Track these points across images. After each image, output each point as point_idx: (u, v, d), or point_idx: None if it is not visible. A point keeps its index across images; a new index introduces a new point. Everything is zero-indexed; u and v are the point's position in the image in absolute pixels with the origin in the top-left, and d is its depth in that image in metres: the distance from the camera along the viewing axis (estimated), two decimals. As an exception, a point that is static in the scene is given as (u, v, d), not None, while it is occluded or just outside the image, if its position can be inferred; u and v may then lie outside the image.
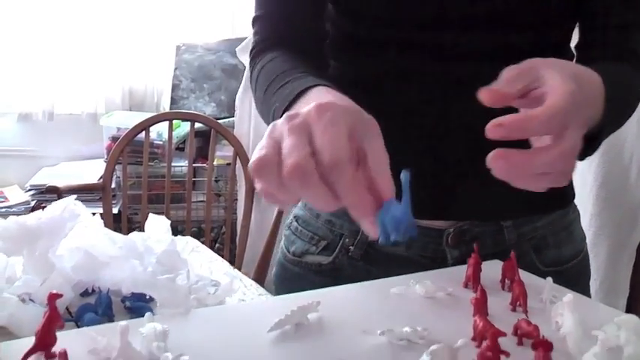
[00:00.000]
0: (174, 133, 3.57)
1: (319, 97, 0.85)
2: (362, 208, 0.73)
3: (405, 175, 0.74)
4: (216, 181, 3.92)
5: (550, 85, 0.84)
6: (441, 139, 1.24)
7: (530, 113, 0.82)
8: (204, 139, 3.80)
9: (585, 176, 2.14)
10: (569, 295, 0.97)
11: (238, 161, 3.53)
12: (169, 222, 1.22)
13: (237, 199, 3.77)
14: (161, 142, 3.82)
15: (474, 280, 1.11)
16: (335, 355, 0.91)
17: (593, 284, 1.94)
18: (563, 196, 1.35)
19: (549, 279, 1.11)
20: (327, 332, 0.97)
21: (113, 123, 3.97)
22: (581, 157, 0.97)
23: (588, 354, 0.87)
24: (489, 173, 1.20)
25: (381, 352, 0.91)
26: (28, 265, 1.09)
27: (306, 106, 0.76)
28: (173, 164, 3.58)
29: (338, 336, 0.95)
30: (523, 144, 0.87)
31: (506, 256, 1.18)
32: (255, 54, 1.26)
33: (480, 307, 0.98)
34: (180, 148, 3.99)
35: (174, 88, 4.34)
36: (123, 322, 0.83)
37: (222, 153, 3.83)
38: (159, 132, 3.78)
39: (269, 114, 1.03)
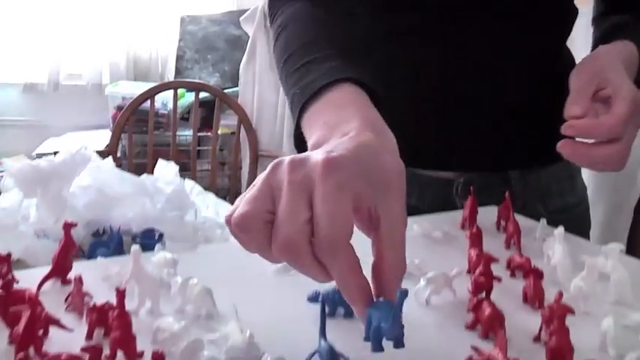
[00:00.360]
0: (178, 103, 3.61)
1: (339, 117, 0.77)
2: (354, 297, 0.65)
3: (401, 294, 0.64)
4: (221, 150, 3.97)
5: (615, 89, 0.99)
6: (450, 93, 1.28)
7: (599, 121, 0.99)
8: (209, 109, 3.84)
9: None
10: (560, 228, 1.02)
11: (243, 130, 3.57)
12: (177, 167, 1.27)
13: (241, 168, 3.82)
14: (166, 112, 3.86)
15: (470, 220, 1.15)
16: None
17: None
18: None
19: (543, 220, 1.16)
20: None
21: (118, 92, 4.01)
22: None
23: (576, 279, 0.92)
24: (496, 126, 1.26)
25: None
26: (42, 205, 1.14)
27: (321, 135, 0.73)
28: (178, 133, 3.63)
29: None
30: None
31: (513, 205, 1.23)
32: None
33: (475, 240, 1.03)
34: (184, 119, 4.03)
35: (179, 59, 4.37)
36: (135, 246, 0.88)
37: (227, 122, 3.87)
38: (164, 101, 3.82)
39: (287, 92, 0.97)
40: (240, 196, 0.67)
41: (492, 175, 1.32)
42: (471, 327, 0.86)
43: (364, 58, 1.12)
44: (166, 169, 1.25)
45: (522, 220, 1.19)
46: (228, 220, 0.65)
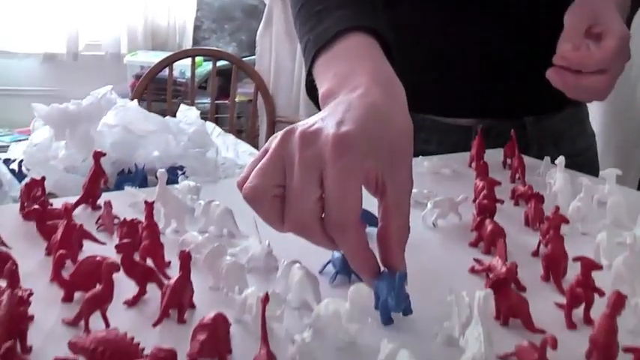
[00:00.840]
0: (196, 72, 3.67)
1: (350, 68, 0.80)
2: (362, 270, 0.71)
3: (400, 276, 0.68)
4: (238, 118, 4.03)
5: (606, 25, 1.06)
6: (467, 45, 1.33)
7: (589, 53, 1.06)
8: (225, 78, 3.89)
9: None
10: (561, 157, 1.07)
11: (260, 97, 3.63)
12: (199, 112, 1.34)
13: (259, 135, 3.88)
14: (184, 80, 3.92)
15: (477, 156, 1.21)
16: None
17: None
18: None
19: (547, 158, 1.22)
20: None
21: (137, 61, 4.08)
22: None
23: (574, 201, 0.98)
24: (511, 75, 1.31)
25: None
26: (71, 144, 1.21)
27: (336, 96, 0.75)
28: (196, 101, 3.69)
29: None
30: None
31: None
32: None
33: (481, 171, 1.09)
34: (202, 87, 4.09)
35: (196, 29, 4.43)
36: (162, 170, 0.95)
37: (244, 90, 3.93)
38: (182, 70, 3.88)
39: (301, 39, 0.98)
40: (252, 160, 0.70)
41: (508, 121, 1.37)
42: (474, 244, 0.93)
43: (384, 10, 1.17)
44: (188, 112, 1.32)
45: (528, 160, 1.24)
46: (240, 186, 0.69)
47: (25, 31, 4.35)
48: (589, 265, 0.72)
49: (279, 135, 0.69)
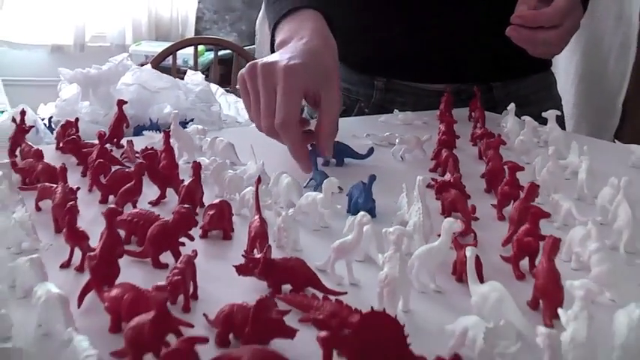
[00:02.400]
0: (199, 61, 3.88)
1: (299, 26, 1.19)
2: (299, 158, 1.08)
3: (370, 178, 0.93)
4: (239, 104, 4.23)
5: None
6: (437, 17, 1.52)
7: (540, 11, 1.26)
8: (227, 66, 4.10)
9: (568, 69, 2.44)
10: (512, 104, 1.29)
11: (260, 84, 3.83)
12: (204, 76, 1.55)
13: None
14: (187, 68, 4.13)
15: (444, 107, 1.41)
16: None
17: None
18: (542, 61, 1.64)
19: (505, 111, 1.41)
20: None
21: (141, 51, 4.29)
22: None
23: (520, 137, 1.19)
24: (479, 43, 1.49)
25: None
26: (94, 101, 1.42)
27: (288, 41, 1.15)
28: (198, 88, 3.89)
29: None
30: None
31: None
32: None
33: (445, 117, 1.30)
34: (204, 75, 4.29)
35: (198, 20, 4.65)
36: (175, 111, 1.16)
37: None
38: (184, 58, 4.08)
39: (268, 17, 1.36)
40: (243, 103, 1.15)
41: (477, 85, 1.56)
42: (433, 169, 1.14)
43: None
44: (194, 76, 1.53)
45: (491, 115, 1.45)
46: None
47: (33, 23, 4.57)
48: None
49: (246, 69, 1.10)
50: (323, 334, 0.52)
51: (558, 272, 0.65)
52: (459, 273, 0.74)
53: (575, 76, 2.44)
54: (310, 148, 1.13)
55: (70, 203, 0.75)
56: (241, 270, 0.69)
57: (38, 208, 0.91)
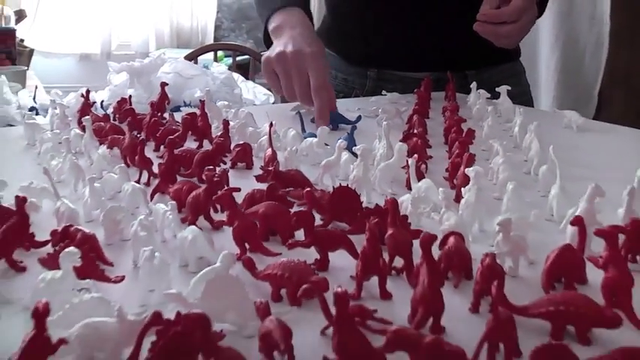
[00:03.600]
0: (218, 65, 4.26)
1: (289, 18, 1.67)
2: (322, 115, 1.51)
3: (357, 118, 1.47)
4: (256, 106, 4.61)
5: None
6: (423, 15, 1.87)
7: (500, 10, 1.59)
8: (244, 70, 4.47)
9: (549, 64, 2.79)
10: (473, 83, 1.64)
11: (275, 85, 4.21)
12: (227, 65, 1.92)
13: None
14: (207, 73, 4.51)
15: (424, 88, 1.75)
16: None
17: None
18: (511, 52, 1.99)
19: (474, 90, 1.76)
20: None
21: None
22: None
23: (476, 106, 1.54)
24: (458, 37, 1.83)
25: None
26: (139, 87, 1.79)
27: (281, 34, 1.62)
28: (218, 90, 4.27)
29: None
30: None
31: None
32: None
33: (421, 95, 1.65)
34: (223, 80, 4.68)
35: (217, 28, 5.04)
36: (207, 88, 1.53)
37: (261, 81, 4.50)
38: (205, 64, 4.44)
39: (260, 15, 1.81)
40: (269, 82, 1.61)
41: (453, 73, 1.91)
42: (407, 131, 1.48)
43: None
44: (219, 68, 1.90)
45: (461, 95, 1.80)
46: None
47: (63, 34, 4.98)
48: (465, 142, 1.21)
49: (275, 58, 1.57)
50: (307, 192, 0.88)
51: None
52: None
53: (555, 71, 2.79)
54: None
55: (141, 138, 1.12)
56: (260, 179, 1.05)
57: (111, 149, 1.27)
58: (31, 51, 4.29)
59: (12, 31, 3.63)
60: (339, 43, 1.94)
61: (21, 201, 0.83)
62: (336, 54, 1.98)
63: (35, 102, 2.01)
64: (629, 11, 2.63)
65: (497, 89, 1.61)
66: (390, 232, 0.77)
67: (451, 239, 0.77)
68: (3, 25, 3.82)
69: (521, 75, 2.07)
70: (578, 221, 0.77)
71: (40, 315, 0.53)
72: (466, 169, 0.94)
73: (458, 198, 0.97)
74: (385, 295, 0.72)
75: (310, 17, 1.71)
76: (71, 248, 0.70)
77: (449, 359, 0.53)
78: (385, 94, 1.79)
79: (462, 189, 0.94)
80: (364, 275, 0.72)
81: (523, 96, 2.04)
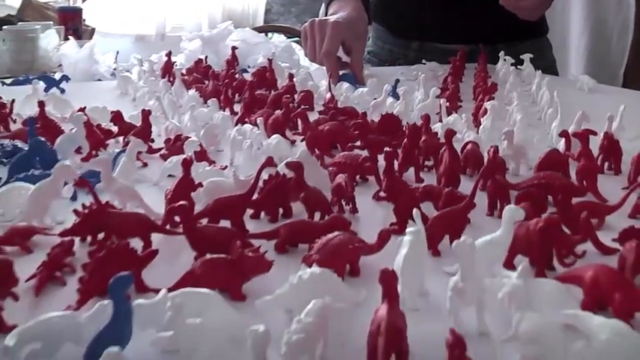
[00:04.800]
0: (267, 45, 4.56)
1: (344, 4, 1.96)
2: (333, 76, 1.76)
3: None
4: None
5: None
6: None
7: None
8: (292, 52, 4.77)
9: (579, 47, 3.05)
10: (502, 52, 1.90)
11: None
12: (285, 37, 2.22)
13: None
14: (257, 54, 4.82)
15: (459, 58, 2.02)
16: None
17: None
18: (538, 28, 2.25)
19: (501, 59, 2.02)
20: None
21: (216, 39, 5.00)
22: None
23: (503, 71, 1.81)
24: (488, 13, 2.08)
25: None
26: (209, 52, 2.09)
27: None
28: (267, 70, 4.57)
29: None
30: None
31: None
32: None
33: (455, 66, 1.92)
34: (271, 61, 4.98)
35: (267, 11, 5.34)
36: (272, 51, 1.82)
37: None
38: (256, 44, 4.77)
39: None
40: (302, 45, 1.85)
41: (486, 46, 2.17)
42: (442, 90, 1.76)
43: None
44: (279, 37, 2.19)
45: (491, 66, 2.06)
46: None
47: (120, 15, 5.31)
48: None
49: (307, 24, 1.82)
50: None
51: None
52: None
53: (585, 50, 3.04)
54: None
55: (221, 85, 1.41)
56: (322, 112, 1.34)
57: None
58: (93, 30, 4.62)
59: (79, 10, 3.97)
60: (387, 18, 2.22)
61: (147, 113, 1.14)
62: (385, 28, 2.26)
63: (116, 62, 2.32)
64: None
65: (521, 56, 1.87)
66: (423, 138, 1.05)
67: (469, 145, 1.05)
68: (71, 5, 4.14)
69: (548, 50, 2.32)
70: (564, 133, 1.05)
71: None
72: (485, 103, 1.21)
73: (478, 124, 1.24)
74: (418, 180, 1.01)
75: (366, 3, 1.98)
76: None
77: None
78: (425, 63, 2.06)
79: (481, 118, 1.21)
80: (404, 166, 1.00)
81: (548, 70, 2.29)
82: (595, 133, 1.01)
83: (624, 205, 0.86)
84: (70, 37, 3.60)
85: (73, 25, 3.82)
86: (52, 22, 3.51)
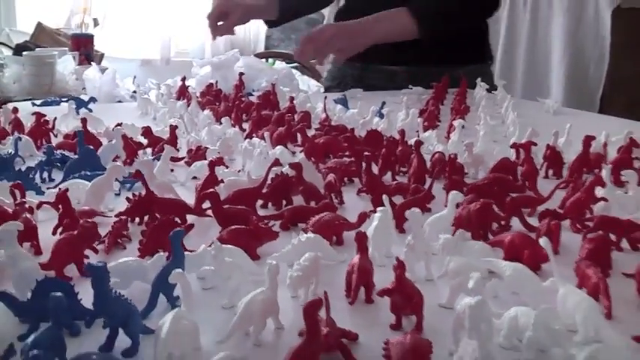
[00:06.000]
0: (268, 70, 4.84)
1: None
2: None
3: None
4: (301, 109, 5.19)
5: None
6: None
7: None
8: (292, 77, 5.06)
9: (558, 75, 3.34)
10: (479, 79, 2.18)
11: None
12: (285, 63, 2.49)
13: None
14: (258, 78, 5.10)
15: (441, 88, 2.29)
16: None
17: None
18: (479, 55, 2.53)
19: (478, 80, 2.29)
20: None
21: (219, 64, 5.29)
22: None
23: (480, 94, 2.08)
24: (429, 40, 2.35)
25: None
26: (218, 77, 2.36)
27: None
28: (267, 94, 4.85)
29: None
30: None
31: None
32: None
33: (438, 90, 2.19)
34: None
35: (267, 38, 5.64)
36: (275, 76, 2.09)
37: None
38: (256, 70, 5.05)
39: None
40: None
41: (430, 69, 2.41)
42: (423, 111, 2.03)
43: None
44: (281, 64, 2.47)
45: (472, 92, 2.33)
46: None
47: (126, 41, 5.61)
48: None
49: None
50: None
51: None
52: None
53: (564, 78, 3.33)
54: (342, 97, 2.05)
55: (230, 105, 1.68)
56: (319, 129, 1.60)
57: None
58: (102, 55, 4.91)
59: (91, 37, 4.24)
60: None
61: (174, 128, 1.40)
62: None
63: (137, 86, 2.60)
64: (627, 29, 3.15)
65: (495, 83, 2.15)
66: (400, 148, 1.32)
67: (436, 154, 1.31)
68: (84, 32, 4.43)
69: (488, 77, 2.51)
70: (514, 145, 1.32)
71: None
72: (453, 121, 1.48)
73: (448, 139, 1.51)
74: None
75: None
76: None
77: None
78: (411, 88, 2.33)
79: (451, 134, 1.48)
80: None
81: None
82: (535, 144, 1.28)
83: (554, 199, 1.13)
84: (83, 62, 3.91)
85: (85, 50, 4.10)
86: (67, 48, 3.80)
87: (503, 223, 1.02)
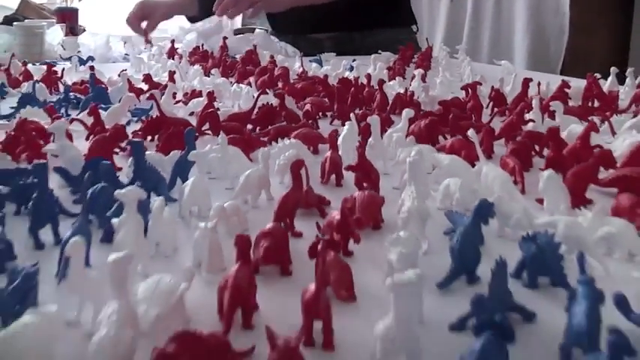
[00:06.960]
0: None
1: None
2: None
3: None
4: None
5: None
6: None
7: None
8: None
9: (521, 50, 3.61)
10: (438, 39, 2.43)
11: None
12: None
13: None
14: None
15: (408, 47, 2.54)
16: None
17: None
18: (399, 19, 2.79)
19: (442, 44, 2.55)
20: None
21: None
22: None
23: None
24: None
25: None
26: (205, 44, 2.59)
27: None
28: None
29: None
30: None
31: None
32: None
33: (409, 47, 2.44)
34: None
35: (244, 15, 5.85)
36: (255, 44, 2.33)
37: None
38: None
39: None
40: None
41: (341, 34, 2.70)
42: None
43: None
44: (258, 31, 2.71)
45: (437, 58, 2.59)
46: None
47: (108, 17, 5.78)
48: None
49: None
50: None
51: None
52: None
53: (526, 52, 3.60)
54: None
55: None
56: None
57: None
58: (84, 29, 5.10)
59: (76, 11, 4.45)
60: (272, 18, 3.02)
61: (172, 72, 1.64)
62: (270, 25, 2.98)
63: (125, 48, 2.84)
64: (584, 5, 3.43)
65: (456, 47, 2.40)
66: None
67: (398, 95, 1.56)
68: (69, 5, 4.64)
69: (410, 40, 2.74)
70: (463, 87, 1.57)
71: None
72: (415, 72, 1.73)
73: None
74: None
75: None
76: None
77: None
78: (380, 53, 2.57)
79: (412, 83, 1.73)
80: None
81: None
82: (480, 84, 1.54)
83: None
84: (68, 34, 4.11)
85: (70, 23, 4.29)
86: (54, 20, 3.99)
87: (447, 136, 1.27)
